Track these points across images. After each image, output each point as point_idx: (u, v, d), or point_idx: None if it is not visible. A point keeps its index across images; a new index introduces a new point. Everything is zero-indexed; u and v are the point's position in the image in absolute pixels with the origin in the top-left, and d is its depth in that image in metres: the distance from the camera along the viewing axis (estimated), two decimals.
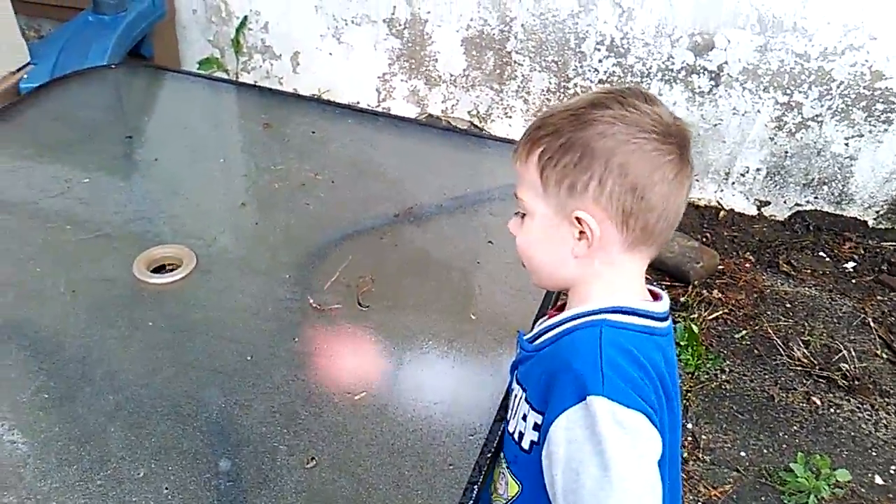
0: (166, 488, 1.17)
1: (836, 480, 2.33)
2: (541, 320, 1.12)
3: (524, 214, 1.05)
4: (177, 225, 1.69)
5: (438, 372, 1.39)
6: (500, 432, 1.22)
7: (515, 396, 1.11)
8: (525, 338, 1.13)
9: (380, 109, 3.76)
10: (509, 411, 1.16)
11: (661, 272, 3.12)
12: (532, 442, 1.04)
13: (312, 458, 1.22)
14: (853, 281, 3.15)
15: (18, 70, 2.82)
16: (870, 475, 2.41)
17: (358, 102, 3.81)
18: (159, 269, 1.59)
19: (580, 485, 0.89)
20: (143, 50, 3.49)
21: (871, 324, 2.91)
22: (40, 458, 1.21)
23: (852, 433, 2.54)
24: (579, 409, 0.91)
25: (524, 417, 1.06)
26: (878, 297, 3.05)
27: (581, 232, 0.98)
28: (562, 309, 1.08)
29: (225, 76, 3.87)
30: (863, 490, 2.36)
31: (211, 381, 1.34)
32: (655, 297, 1.06)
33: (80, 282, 1.53)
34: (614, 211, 0.94)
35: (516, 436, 1.09)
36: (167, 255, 1.60)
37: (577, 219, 0.97)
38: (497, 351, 1.42)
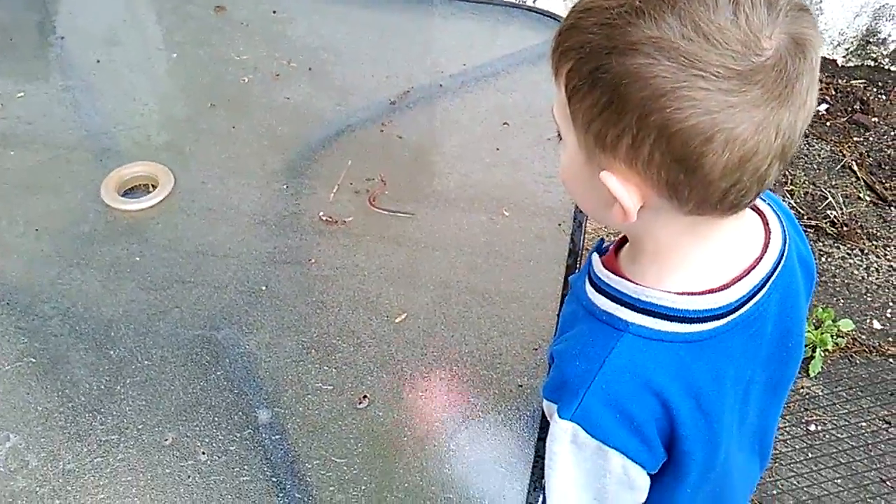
0: (203, 453, 1.01)
1: (839, 330, 2.31)
2: (594, 254, 0.81)
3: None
4: (140, 137, 1.44)
5: (483, 278, 1.22)
6: None
7: None
8: (572, 277, 0.88)
9: None
10: None
11: None
12: None
13: (365, 397, 1.07)
14: (828, 124, 3.06)
15: None
16: (868, 321, 2.39)
17: None
18: (131, 192, 1.36)
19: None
20: None
21: (853, 167, 2.85)
22: (44, 437, 1.02)
23: (846, 280, 2.51)
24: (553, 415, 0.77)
25: None
26: (855, 139, 2.99)
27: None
28: (623, 242, 0.80)
29: None
30: (863, 337, 2.34)
31: (225, 321, 1.16)
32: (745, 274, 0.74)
33: (41, 217, 1.29)
34: (655, 181, 0.63)
35: None
36: (138, 175, 1.37)
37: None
38: (541, 248, 1.26)
